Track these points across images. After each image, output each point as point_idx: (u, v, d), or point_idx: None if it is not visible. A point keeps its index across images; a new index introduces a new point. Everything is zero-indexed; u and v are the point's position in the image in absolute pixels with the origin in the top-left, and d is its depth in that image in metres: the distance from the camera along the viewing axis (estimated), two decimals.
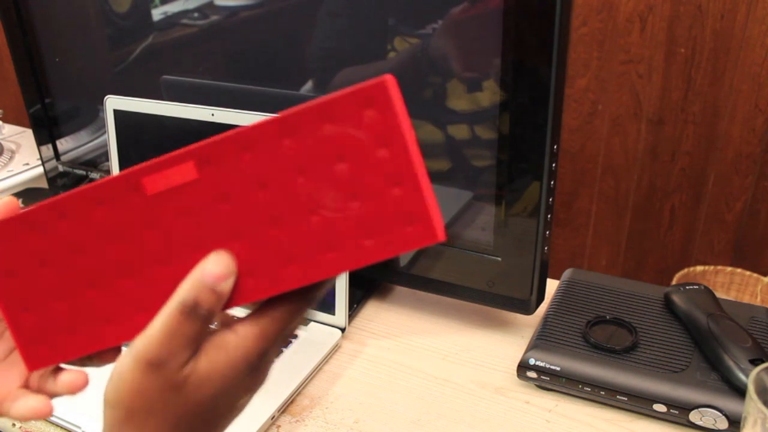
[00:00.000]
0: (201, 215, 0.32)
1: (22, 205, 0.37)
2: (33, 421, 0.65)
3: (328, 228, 0.31)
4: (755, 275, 1.41)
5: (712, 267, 1.45)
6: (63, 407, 0.65)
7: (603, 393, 0.62)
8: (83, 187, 0.34)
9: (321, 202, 0.31)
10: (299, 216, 0.31)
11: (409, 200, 0.31)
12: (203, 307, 0.32)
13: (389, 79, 0.29)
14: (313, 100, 0.30)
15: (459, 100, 0.67)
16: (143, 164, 0.33)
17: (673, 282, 1.43)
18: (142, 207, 0.33)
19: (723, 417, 0.58)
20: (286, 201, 0.31)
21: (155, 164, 0.33)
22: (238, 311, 0.34)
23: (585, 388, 0.63)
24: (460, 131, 0.69)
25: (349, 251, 0.32)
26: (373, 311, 0.79)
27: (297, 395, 0.66)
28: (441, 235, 0.31)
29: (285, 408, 0.65)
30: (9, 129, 1.20)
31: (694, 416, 0.59)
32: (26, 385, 0.39)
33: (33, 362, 0.37)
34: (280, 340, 0.34)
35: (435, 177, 0.73)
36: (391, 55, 0.69)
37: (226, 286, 0.32)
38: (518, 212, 0.66)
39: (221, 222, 0.32)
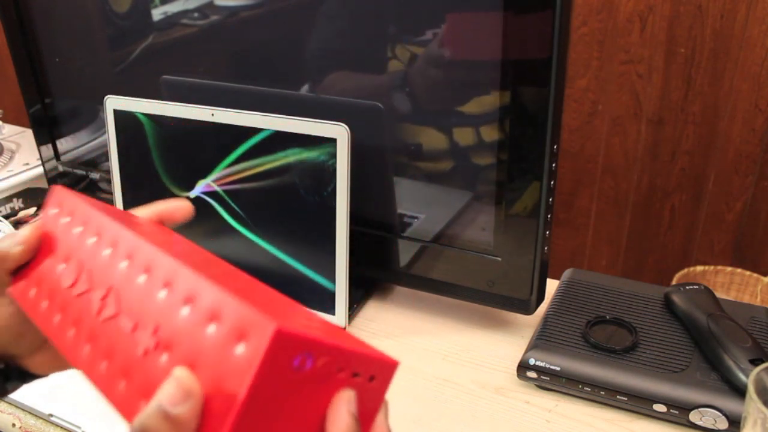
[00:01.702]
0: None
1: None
2: (33, 421, 0.65)
3: None
4: (755, 275, 1.41)
5: (712, 267, 1.45)
6: (63, 407, 0.65)
7: (603, 393, 0.62)
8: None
9: None
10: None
11: None
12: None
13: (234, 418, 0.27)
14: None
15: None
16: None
17: (673, 282, 1.43)
18: None
19: (723, 417, 0.58)
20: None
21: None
22: None
23: (585, 388, 0.63)
24: (461, 132, 0.69)
25: None
26: (373, 311, 0.79)
27: None
28: None
29: None
30: (9, 129, 1.20)
31: (694, 416, 0.59)
32: None
33: None
34: None
35: (436, 177, 0.73)
36: (392, 63, 0.69)
37: (181, 410, 0.28)
38: (518, 212, 0.66)
39: None
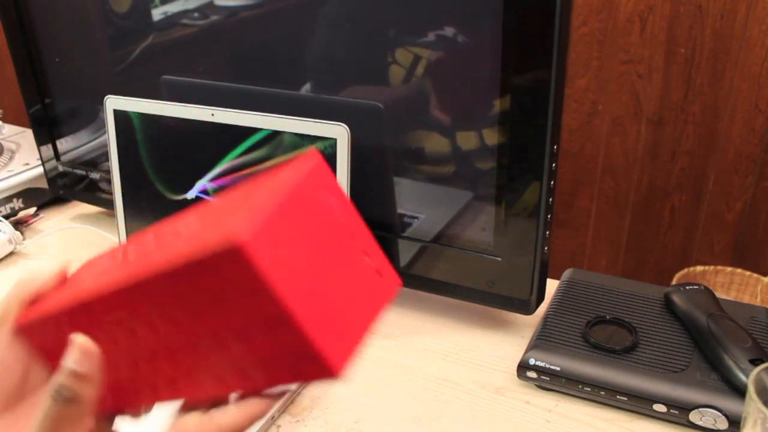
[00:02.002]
0: (140, 333, 0.36)
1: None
2: None
3: (227, 360, 0.34)
4: (755, 275, 1.41)
5: (712, 267, 1.45)
6: None
7: (603, 393, 0.62)
8: (79, 298, 0.37)
9: (220, 340, 0.33)
10: (201, 349, 0.34)
11: (294, 342, 0.30)
12: (70, 390, 0.33)
13: (244, 243, 0.28)
14: (184, 255, 0.30)
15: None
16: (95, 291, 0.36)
17: (673, 282, 1.43)
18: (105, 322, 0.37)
19: (723, 417, 0.58)
20: (194, 337, 0.33)
21: (103, 296, 0.36)
22: None
23: (585, 388, 0.63)
24: (462, 133, 0.69)
25: (248, 379, 0.34)
26: None
27: (297, 395, 0.66)
28: (337, 370, 0.31)
29: (285, 408, 0.65)
30: (9, 129, 1.20)
31: (694, 416, 0.59)
32: None
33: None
34: None
35: (436, 177, 0.73)
36: (393, 68, 0.69)
37: (87, 367, 0.34)
38: (518, 212, 0.66)
39: (156, 340, 0.35)
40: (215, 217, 0.32)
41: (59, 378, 0.33)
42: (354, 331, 0.32)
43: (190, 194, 0.76)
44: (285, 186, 0.31)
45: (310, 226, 0.31)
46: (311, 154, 0.33)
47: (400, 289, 0.35)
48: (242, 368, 0.33)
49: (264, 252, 0.28)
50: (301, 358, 0.31)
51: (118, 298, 0.34)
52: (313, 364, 0.30)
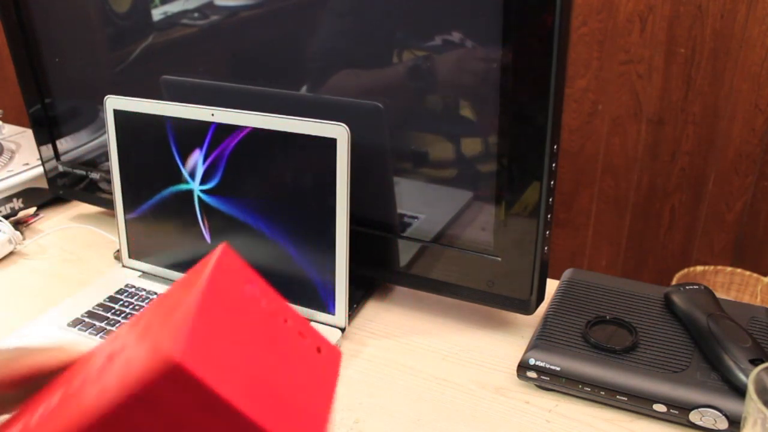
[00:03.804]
0: None
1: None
2: None
3: None
4: (755, 275, 1.41)
5: (712, 267, 1.45)
6: None
7: (603, 393, 0.62)
8: None
9: None
10: None
11: None
12: None
13: (180, 362, 0.26)
14: (120, 388, 0.27)
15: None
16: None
17: (673, 282, 1.43)
18: None
19: (723, 417, 0.58)
20: None
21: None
22: None
23: (585, 388, 0.63)
24: (461, 133, 0.69)
25: None
26: (373, 311, 0.79)
27: None
28: None
29: None
30: (9, 129, 1.20)
31: (694, 416, 0.59)
32: None
33: None
34: None
35: (436, 178, 0.73)
36: (394, 67, 0.69)
37: None
38: (518, 212, 0.66)
39: None
40: (142, 337, 0.30)
41: None
42: (311, 415, 0.31)
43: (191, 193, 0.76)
44: (198, 287, 0.29)
45: (236, 319, 0.30)
46: (219, 248, 0.32)
47: (341, 359, 0.35)
48: None
49: (203, 363, 0.26)
50: None
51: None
52: None
